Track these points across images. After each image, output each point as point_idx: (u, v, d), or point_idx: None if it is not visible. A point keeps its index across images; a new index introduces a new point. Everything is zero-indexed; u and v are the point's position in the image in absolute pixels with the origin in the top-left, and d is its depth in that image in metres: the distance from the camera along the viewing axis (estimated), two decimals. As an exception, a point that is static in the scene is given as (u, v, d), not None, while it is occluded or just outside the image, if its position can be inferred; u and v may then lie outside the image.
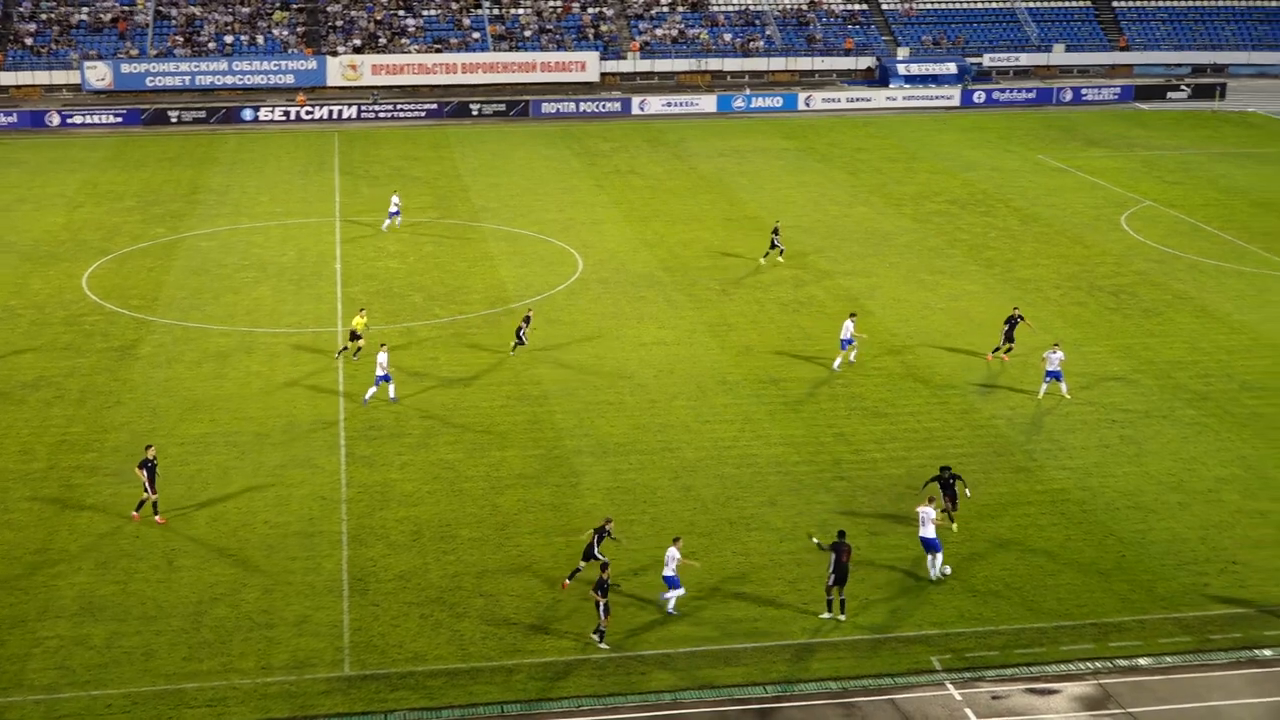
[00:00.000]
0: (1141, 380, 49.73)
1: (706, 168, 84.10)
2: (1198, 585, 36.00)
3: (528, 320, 51.84)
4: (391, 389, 47.10)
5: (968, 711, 30.95)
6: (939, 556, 36.10)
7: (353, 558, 37.02)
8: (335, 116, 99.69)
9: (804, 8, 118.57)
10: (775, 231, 63.77)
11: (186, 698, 31.06)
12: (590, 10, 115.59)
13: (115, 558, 36.90)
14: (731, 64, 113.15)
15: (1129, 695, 31.55)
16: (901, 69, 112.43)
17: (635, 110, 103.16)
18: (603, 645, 33.05)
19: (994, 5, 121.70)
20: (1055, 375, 47.37)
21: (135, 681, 31.60)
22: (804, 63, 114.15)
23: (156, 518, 38.79)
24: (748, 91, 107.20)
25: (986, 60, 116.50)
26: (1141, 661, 32.82)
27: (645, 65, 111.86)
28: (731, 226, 70.30)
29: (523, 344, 51.34)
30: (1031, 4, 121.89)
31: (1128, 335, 54.41)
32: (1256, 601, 35.25)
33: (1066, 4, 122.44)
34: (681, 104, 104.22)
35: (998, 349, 51.33)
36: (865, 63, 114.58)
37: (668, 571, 34.34)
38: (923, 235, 68.85)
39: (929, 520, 35.98)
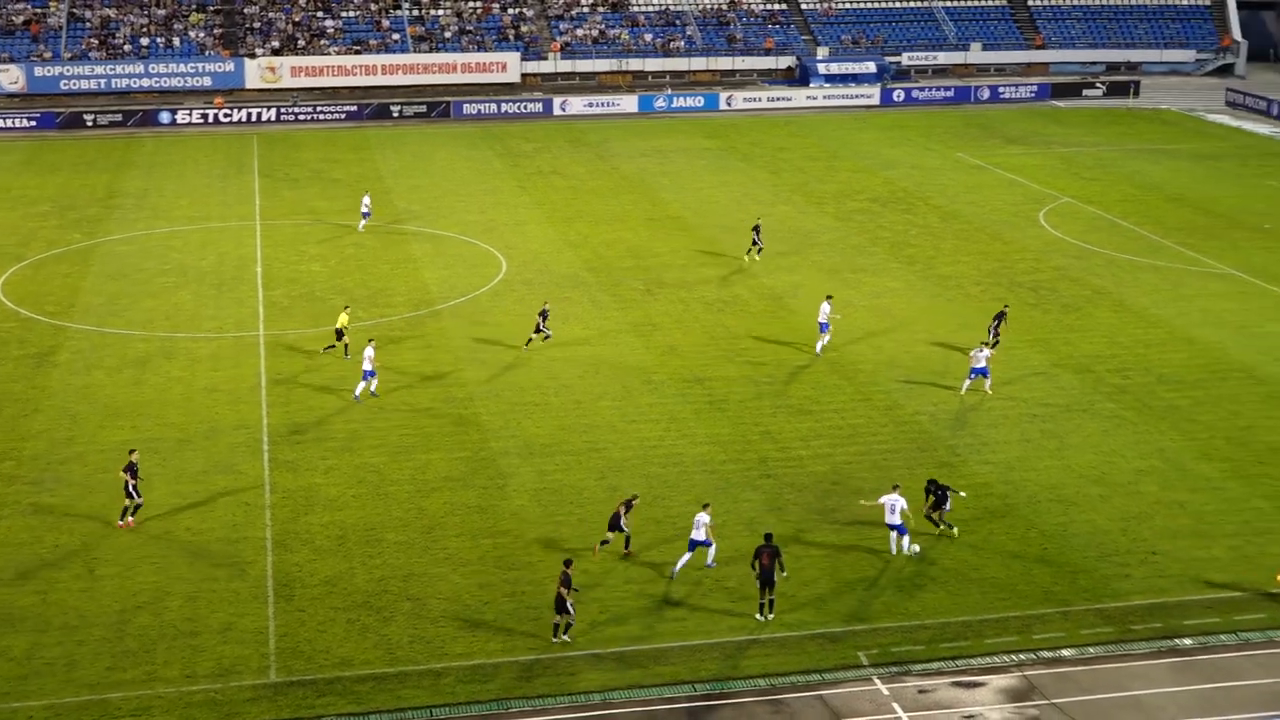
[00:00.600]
0: (1061, 375, 50.32)
1: (629, 168, 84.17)
2: (1119, 576, 36.48)
3: (544, 315, 52.00)
4: (373, 384, 47.25)
5: (895, 706, 31.18)
6: (906, 538, 36.97)
7: (278, 563, 36.73)
8: (254, 119, 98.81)
9: (724, 8, 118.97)
10: (756, 229, 64.20)
11: (110, 708, 30.67)
12: (510, 11, 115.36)
13: (35, 567, 36.38)
14: (653, 64, 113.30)
15: (1053, 686, 31.91)
16: (821, 68, 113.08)
17: (557, 111, 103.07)
18: (566, 639, 33.16)
19: (912, 5, 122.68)
20: (981, 372, 47.81)
21: (57, 693, 31.17)
22: (725, 62, 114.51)
23: (120, 522, 38.27)
24: (669, 91, 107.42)
25: (905, 59, 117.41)
26: (1065, 652, 33.20)
27: (566, 66, 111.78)
28: (654, 226, 70.41)
29: (547, 336, 51.88)
30: (949, 3, 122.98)
31: (1047, 330, 55.03)
32: (1176, 591, 35.78)
33: (983, 3, 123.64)
34: (603, 104, 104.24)
35: (995, 342, 52.12)
36: (786, 62, 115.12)
37: (698, 535, 35.63)
38: (845, 233, 69.29)
39: (897, 509, 36.75)
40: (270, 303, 57.60)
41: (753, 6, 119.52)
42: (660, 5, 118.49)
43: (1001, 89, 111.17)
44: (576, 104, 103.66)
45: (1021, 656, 33.01)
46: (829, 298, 52.94)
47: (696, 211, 73.41)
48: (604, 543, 36.95)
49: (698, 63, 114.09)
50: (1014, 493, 41.07)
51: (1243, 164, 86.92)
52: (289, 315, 56.15)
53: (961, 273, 62.50)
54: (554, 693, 31.43)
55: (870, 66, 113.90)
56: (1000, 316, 52.45)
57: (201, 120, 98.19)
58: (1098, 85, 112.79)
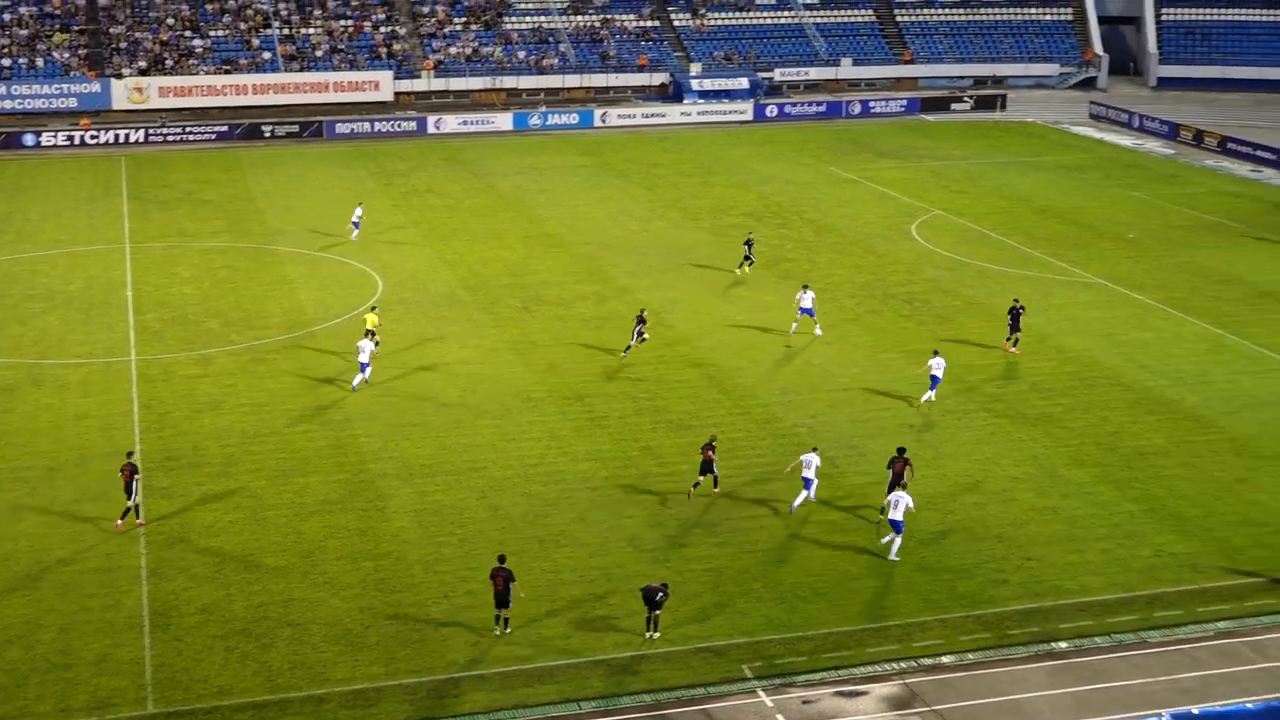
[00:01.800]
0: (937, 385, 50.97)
1: (505, 186, 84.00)
2: (996, 582, 37.06)
3: (643, 320, 53.17)
4: (363, 376, 49.28)
5: (779, 717, 31.36)
6: (898, 539, 38.02)
7: (153, 592, 36.05)
8: (122, 140, 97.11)
9: (597, 25, 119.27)
10: (748, 243, 65.04)
11: (-20, 746, 29.90)
12: (383, 29, 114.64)
13: (-101, 603, 35.37)
14: (527, 81, 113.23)
15: (934, 693, 32.30)
16: (695, 84, 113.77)
17: (431, 129, 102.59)
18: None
19: (783, 21, 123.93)
20: (934, 380, 48.68)
21: (-76, 732, 30.33)
22: (598, 79, 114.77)
23: (118, 523, 39.01)
24: (543, 109, 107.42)
25: (777, 75, 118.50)
26: (945, 659, 33.63)
27: (440, 84, 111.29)
28: (531, 244, 70.32)
29: (644, 340, 53.00)
30: (819, 19, 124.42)
31: (922, 342, 55.78)
32: (1051, 595, 36.42)
33: (853, 19, 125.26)
34: (478, 122, 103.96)
35: (1008, 338, 54.20)
36: (659, 79, 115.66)
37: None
38: (721, 248, 69.71)
39: (901, 505, 37.76)
40: (142, 327, 56.62)
41: (626, 24, 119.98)
42: (533, 23, 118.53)
43: (872, 104, 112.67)
44: (451, 122, 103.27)
45: (903, 664, 33.38)
46: (805, 286, 56.29)
47: (573, 229, 73.45)
48: (696, 485, 41.16)
49: (572, 80, 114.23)
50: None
51: (1106, 175, 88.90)
52: (161, 339, 55.24)
53: (837, 285, 63.16)
54: (439, 715, 31.18)
55: (743, 82, 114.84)
56: (1014, 311, 54.25)
57: (68, 142, 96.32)
58: (965, 99, 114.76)
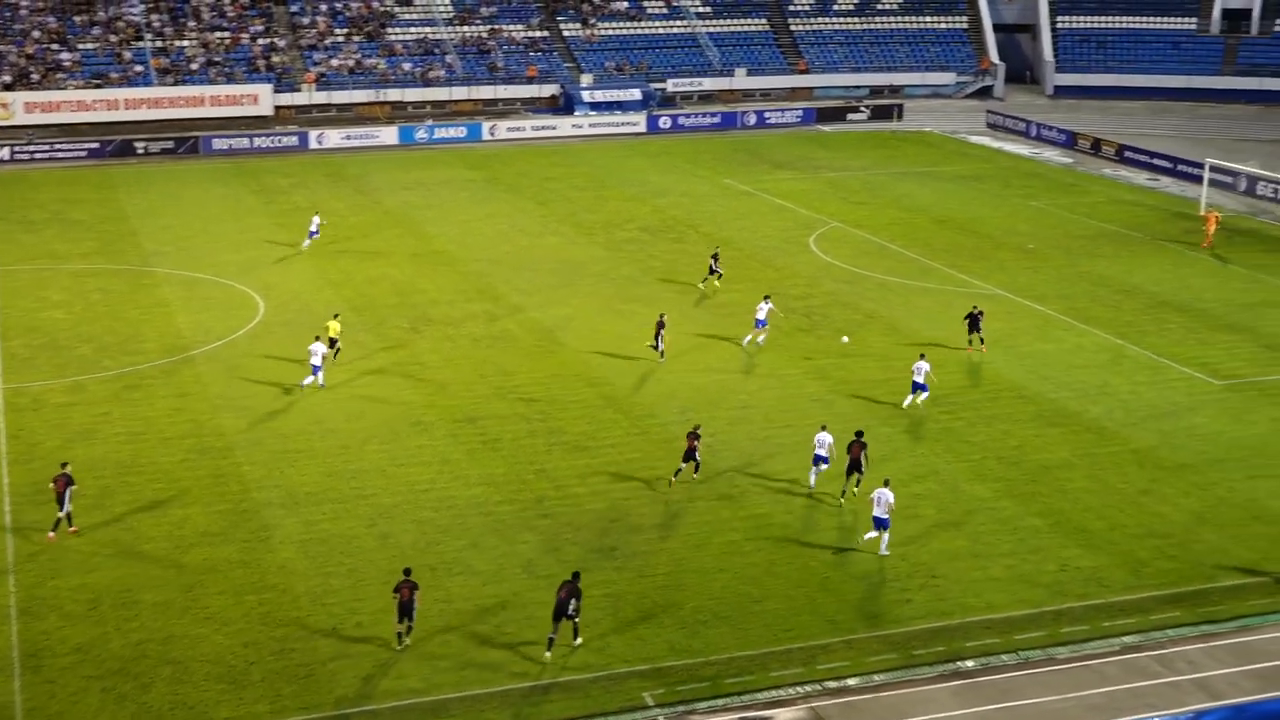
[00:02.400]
0: (837, 400, 51.38)
1: (391, 202, 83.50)
2: (900, 601, 37.33)
3: (663, 324, 54.76)
4: (320, 378, 51.30)
5: (682, 746, 31.34)
6: (886, 535, 39.40)
7: (24, 632, 35.25)
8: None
9: (484, 36, 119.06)
10: (714, 257, 65.51)
11: None
12: (261, 41, 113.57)
13: None
14: (412, 94, 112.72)
15: (840, 716, 32.44)
16: (586, 96, 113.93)
17: (313, 144, 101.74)
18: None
19: (676, 30, 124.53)
20: (921, 388, 50.00)
21: None
22: (486, 91, 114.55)
23: (51, 534, 39.86)
24: (430, 122, 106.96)
25: (670, 85, 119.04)
26: (850, 681, 33.80)
27: (322, 97, 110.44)
28: (419, 262, 69.92)
29: (658, 349, 54.62)
30: (712, 29, 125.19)
31: (822, 356, 56.17)
32: (956, 613, 36.76)
33: (746, 28, 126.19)
34: (361, 136, 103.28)
35: (970, 341, 56.39)
36: (549, 90, 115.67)
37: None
38: (616, 264, 69.78)
39: (884, 501, 39.27)
40: (9, 354, 55.49)
41: (514, 34, 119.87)
42: (418, 34, 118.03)
43: (767, 114, 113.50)
44: (333, 137, 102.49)
45: (808, 688, 33.50)
46: (767, 297, 57.97)
47: (462, 245, 73.16)
48: (677, 472, 43.25)
49: (459, 92, 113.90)
50: (795, 521, 41.74)
51: (1005, 185, 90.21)
52: (30, 367, 54.19)
53: (735, 301, 63.42)
54: (328, 754, 30.81)
55: (635, 93, 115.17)
56: (972, 316, 56.46)
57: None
58: (862, 109, 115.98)
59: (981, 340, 56.60)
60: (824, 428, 43.92)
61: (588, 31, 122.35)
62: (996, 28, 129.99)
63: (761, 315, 56.88)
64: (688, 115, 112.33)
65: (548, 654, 34.26)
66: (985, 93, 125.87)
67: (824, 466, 43.48)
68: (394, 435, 47.83)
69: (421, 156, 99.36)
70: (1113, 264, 70.54)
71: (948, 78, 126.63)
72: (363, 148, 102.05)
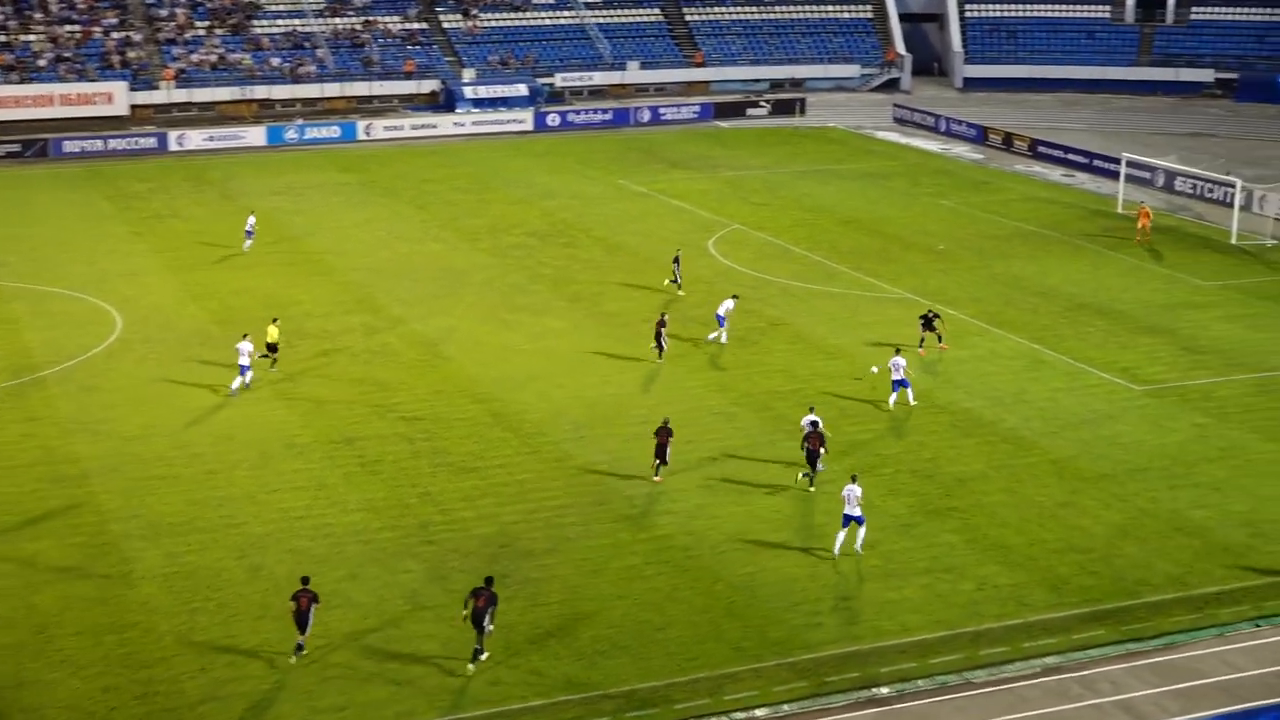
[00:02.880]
0: (740, 414, 51.57)
1: (260, 207, 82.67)
2: (810, 626, 37.50)
3: (664, 323, 56.90)
4: (249, 378, 53.02)
5: (581, 786, 31.24)
6: (862, 530, 41.12)
7: None
8: None
9: (358, 28, 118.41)
10: (676, 260, 66.46)
11: None
12: (115, 35, 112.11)
13: None
14: (280, 91, 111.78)
15: (748, 750, 32.51)
16: (468, 92, 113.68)
17: (173, 146, 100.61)
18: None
19: (563, 21, 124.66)
20: (902, 384, 51.72)
21: None
22: (361, 88, 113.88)
23: None
24: (300, 121, 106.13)
25: (559, 80, 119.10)
26: (759, 712, 33.87)
27: (182, 95, 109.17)
28: (292, 272, 69.33)
29: (659, 349, 56.52)
30: (602, 19, 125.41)
31: (724, 367, 56.35)
32: (870, 637, 36.99)
33: (638, 19, 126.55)
34: (226, 137, 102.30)
35: (923, 341, 57.79)
36: (429, 86, 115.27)
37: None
38: (502, 271, 69.63)
39: (853, 498, 40.71)
40: None
41: (390, 26, 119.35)
42: (286, 26, 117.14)
43: (662, 110, 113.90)
44: (195, 138, 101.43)
45: (714, 719, 33.58)
46: (735, 297, 60.33)
47: (338, 253, 72.66)
48: (657, 471, 45.52)
49: (331, 89, 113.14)
50: (696, 543, 41.81)
51: (913, 183, 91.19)
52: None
53: (630, 309, 63.51)
54: (197, 805, 30.38)
55: (521, 89, 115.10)
56: (926, 318, 57.97)
57: None
58: (762, 104, 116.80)
59: (939, 337, 58.16)
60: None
61: (470, 23, 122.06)
62: (903, 17, 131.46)
63: (722, 311, 58.94)
64: (577, 112, 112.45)
65: (471, 666, 34.64)
66: (892, 86, 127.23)
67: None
68: (265, 458, 47.34)
69: (291, 158, 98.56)
70: (1028, 265, 71.50)
71: (852, 70, 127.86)
72: (227, 149, 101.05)
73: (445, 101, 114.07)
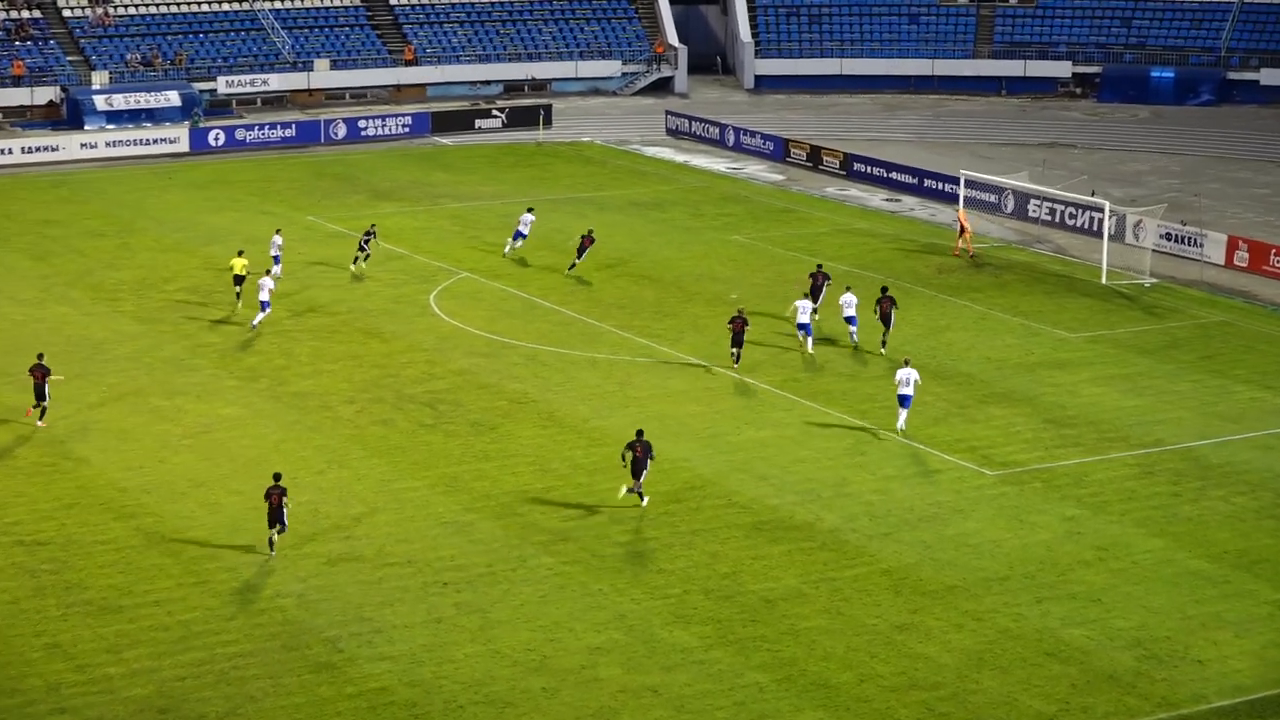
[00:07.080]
0: (479, 522, 51.41)
1: None
2: (579, 801, 37.45)
3: (744, 320, 65.10)
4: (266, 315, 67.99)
5: None
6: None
7: None
8: None
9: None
10: (368, 234, 78.82)
11: None
12: None
13: None
14: None
15: None
16: (101, 102, 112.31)
17: None
18: None
19: (228, 8, 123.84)
20: (908, 399, 58.37)
21: None
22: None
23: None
24: None
25: (223, 85, 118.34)
26: None
27: None
28: None
29: (736, 356, 64.76)
30: (279, 5, 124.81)
31: (453, 461, 56.19)
32: (658, 813, 37.04)
33: (328, 5, 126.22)
34: None
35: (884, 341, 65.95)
36: (46, 95, 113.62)
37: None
38: (153, 341, 68.67)
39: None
40: None
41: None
42: None
43: (363, 123, 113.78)
44: None
45: None
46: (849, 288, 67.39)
47: (-75, 322, 71.00)
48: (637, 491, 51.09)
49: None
50: (425, 697, 41.47)
51: (696, 213, 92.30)
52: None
53: (326, 387, 63.06)
54: None
55: (172, 98, 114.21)
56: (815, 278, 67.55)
57: None
58: (495, 113, 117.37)
59: (883, 342, 66.31)
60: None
61: (99, 11, 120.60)
62: (674, 0, 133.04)
63: (849, 311, 67.93)
64: (249, 127, 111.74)
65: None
66: (662, 87, 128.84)
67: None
68: None
69: None
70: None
71: (611, 68, 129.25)
72: None
73: (69, 115, 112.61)
